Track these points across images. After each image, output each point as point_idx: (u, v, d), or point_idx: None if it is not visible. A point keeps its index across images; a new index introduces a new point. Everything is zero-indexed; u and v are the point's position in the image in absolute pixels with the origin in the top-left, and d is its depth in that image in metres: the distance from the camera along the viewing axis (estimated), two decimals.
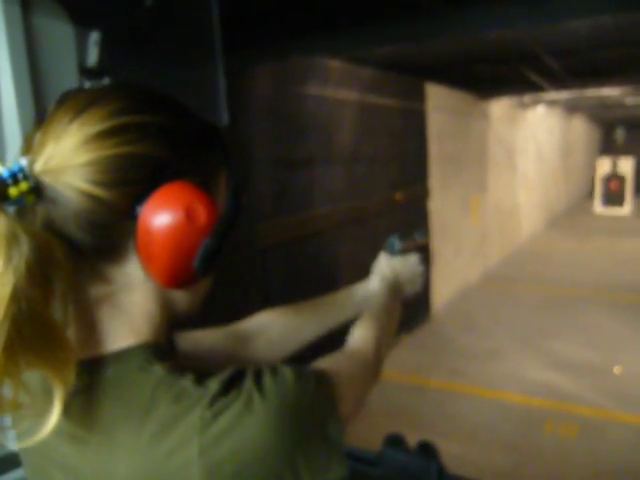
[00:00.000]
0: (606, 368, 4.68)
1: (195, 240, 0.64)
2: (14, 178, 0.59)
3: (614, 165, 13.22)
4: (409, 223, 5.78)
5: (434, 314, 6.25)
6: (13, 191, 0.58)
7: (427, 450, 1.22)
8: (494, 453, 3.55)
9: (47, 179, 0.61)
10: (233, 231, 0.68)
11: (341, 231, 4.56)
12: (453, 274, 6.89)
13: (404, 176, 5.62)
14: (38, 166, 0.61)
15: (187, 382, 0.61)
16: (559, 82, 5.94)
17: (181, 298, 0.72)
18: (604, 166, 13.42)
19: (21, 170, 0.59)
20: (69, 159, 0.61)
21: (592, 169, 17.12)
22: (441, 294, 6.44)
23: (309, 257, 4.18)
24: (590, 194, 16.75)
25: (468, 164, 7.33)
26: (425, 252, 1.37)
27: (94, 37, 1.54)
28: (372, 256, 5.07)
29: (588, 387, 4.36)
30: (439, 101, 6.30)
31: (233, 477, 0.59)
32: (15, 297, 0.56)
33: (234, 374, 0.63)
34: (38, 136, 0.63)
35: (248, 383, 0.62)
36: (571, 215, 13.58)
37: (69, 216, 0.61)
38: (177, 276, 0.65)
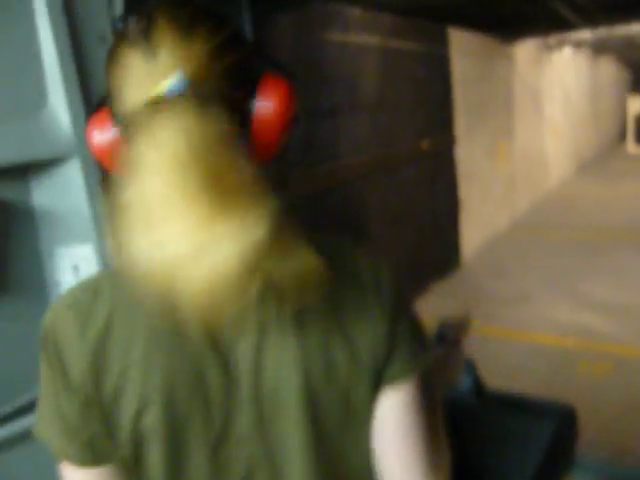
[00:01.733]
0: (637, 307, 4.66)
1: (289, 123, 0.77)
2: (173, 93, 0.69)
3: None
4: (436, 171, 5.76)
5: (464, 261, 6.26)
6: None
7: (466, 365, 1.27)
8: (529, 393, 3.59)
9: (202, 87, 0.70)
10: None
11: (368, 180, 4.57)
12: (481, 222, 6.86)
13: (429, 124, 5.58)
14: (189, 77, 0.69)
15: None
16: (587, 17, 5.77)
17: None
18: (636, 104, 13.05)
19: (177, 84, 0.69)
20: (210, 68, 0.71)
21: (622, 112, 16.74)
22: (470, 241, 6.44)
23: (336, 207, 4.21)
24: (621, 137, 16.42)
25: (494, 110, 7.22)
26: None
27: None
28: (400, 205, 5.10)
29: (620, 326, 4.36)
30: (462, 46, 6.18)
31: None
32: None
33: None
34: (164, 59, 0.70)
35: None
36: (601, 160, 13.32)
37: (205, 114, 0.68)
38: (271, 154, 0.79)
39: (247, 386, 0.75)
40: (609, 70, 15.15)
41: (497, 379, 3.79)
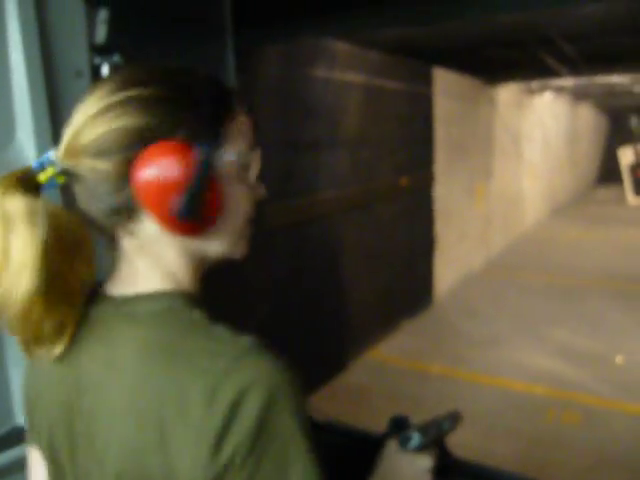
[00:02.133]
0: (609, 357, 4.68)
1: (173, 192, 0.71)
2: (42, 166, 0.73)
3: (637, 153, 13.08)
4: (413, 208, 5.77)
5: (436, 300, 6.26)
6: (42, 177, 0.73)
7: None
8: (496, 440, 3.56)
9: (67, 162, 0.73)
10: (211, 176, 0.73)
11: (346, 215, 4.55)
12: (456, 260, 6.88)
13: (409, 161, 5.60)
14: (60, 151, 0.74)
15: (217, 330, 0.72)
16: (570, 67, 5.89)
17: (209, 245, 0.80)
18: (627, 155, 13.27)
19: (48, 158, 0.74)
20: (79, 141, 0.73)
21: (598, 157, 17.06)
22: (444, 280, 6.44)
23: (313, 240, 4.18)
24: (596, 182, 16.72)
25: (474, 150, 7.30)
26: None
27: (103, 14, 1.52)
28: (376, 241, 5.10)
29: (591, 375, 4.37)
30: (446, 86, 6.26)
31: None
32: (41, 260, 0.69)
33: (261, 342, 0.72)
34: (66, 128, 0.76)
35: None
36: (576, 203, 13.53)
37: (90, 189, 0.74)
38: (175, 225, 0.73)
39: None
40: (588, 116, 15.48)
41: (464, 423, 3.76)
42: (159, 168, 0.70)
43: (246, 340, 0.71)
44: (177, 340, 0.72)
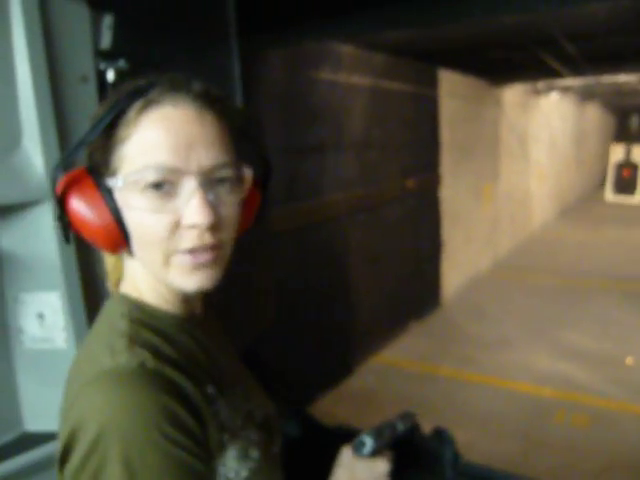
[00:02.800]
0: (618, 358, 4.64)
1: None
2: None
3: (628, 152, 13.00)
4: (420, 210, 5.76)
5: (444, 302, 6.24)
6: None
7: (442, 436, 1.22)
8: (504, 442, 3.54)
9: None
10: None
11: (352, 218, 4.55)
12: (463, 262, 6.86)
13: (415, 163, 5.59)
14: None
15: (120, 344, 0.74)
16: (576, 67, 5.86)
17: (141, 269, 0.83)
18: (618, 153, 13.19)
19: None
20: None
21: (605, 158, 16.99)
22: (451, 282, 6.42)
23: (319, 243, 4.17)
24: (603, 183, 16.63)
25: (480, 152, 7.28)
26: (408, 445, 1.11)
27: (108, 20, 1.53)
28: (382, 243, 5.08)
29: (599, 377, 4.34)
30: (451, 87, 6.24)
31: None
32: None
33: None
34: None
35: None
36: (583, 204, 13.47)
37: None
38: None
39: None
40: (594, 116, 15.42)
41: (472, 425, 3.76)
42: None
43: (120, 361, 0.71)
44: (91, 342, 0.80)
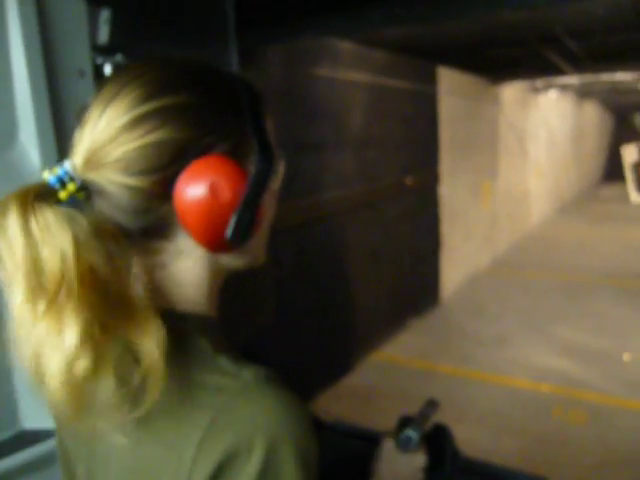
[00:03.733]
0: (615, 355, 4.66)
1: (224, 212, 0.66)
2: (61, 182, 0.64)
3: None
4: (419, 208, 5.76)
5: (443, 299, 6.24)
6: (63, 195, 0.64)
7: (442, 433, 1.22)
8: (502, 438, 3.55)
9: (90, 176, 0.65)
10: (264, 193, 0.69)
11: (351, 215, 4.54)
12: (462, 260, 6.87)
13: (414, 161, 5.59)
14: (80, 166, 0.65)
15: (224, 363, 0.65)
16: (577, 64, 5.86)
17: (239, 258, 0.75)
18: (631, 154, 13.13)
19: (66, 173, 0.65)
20: (104, 155, 0.64)
21: (603, 155, 17.00)
22: (450, 279, 6.43)
23: (318, 240, 4.17)
24: (601, 180, 16.67)
25: (479, 149, 7.28)
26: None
27: (105, 15, 1.52)
28: (381, 240, 5.08)
29: (597, 373, 4.35)
30: (450, 85, 6.24)
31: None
32: (90, 270, 0.60)
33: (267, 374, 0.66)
34: (79, 133, 0.67)
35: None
36: (582, 202, 13.49)
37: (116, 206, 0.66)
38: (219, 245, 0.68)
39: None
40: (593, 114, 15.43)
41: (470, 422, 3.76)
42: (207, 187, 0.64)
43: (246, 376, 0.64)
44: (176, 371, 0.65)
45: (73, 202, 0.65)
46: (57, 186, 0.63)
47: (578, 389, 4.15)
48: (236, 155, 0.67)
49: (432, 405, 1.12)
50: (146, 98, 0.65)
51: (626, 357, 4.60)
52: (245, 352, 0.72)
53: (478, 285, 6.92)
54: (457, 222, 6.59)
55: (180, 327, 0.67)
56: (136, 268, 0.66)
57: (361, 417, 3.23)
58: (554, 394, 4.11)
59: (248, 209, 0.67)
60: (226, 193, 0.65)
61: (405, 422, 1.13)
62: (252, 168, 0.68)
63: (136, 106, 0.64)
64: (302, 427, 0.63)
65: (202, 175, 0.64)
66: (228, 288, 0.82)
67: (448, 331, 5.46)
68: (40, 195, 0.61)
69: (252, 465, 0.60)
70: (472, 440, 3.37)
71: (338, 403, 3.98)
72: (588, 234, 9.89)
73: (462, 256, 6.85)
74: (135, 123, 0.64)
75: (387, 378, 4.48)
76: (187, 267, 0.71)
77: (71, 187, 0.64)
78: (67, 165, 0.65)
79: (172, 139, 0.64)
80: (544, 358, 4.67)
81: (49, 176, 0.64)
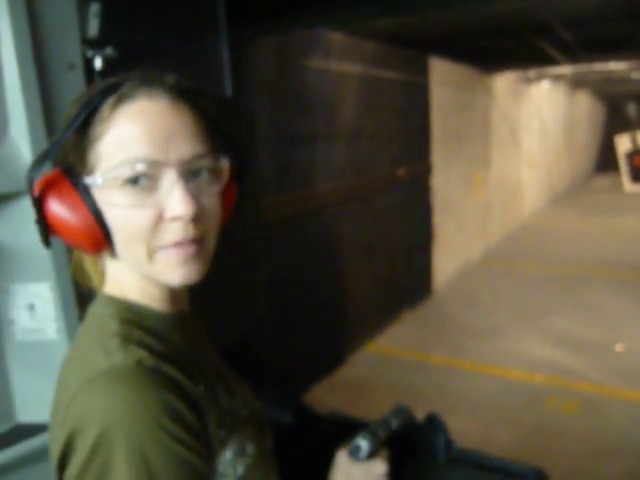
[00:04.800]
0: (608, 345, 4.68)
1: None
2: None
3: (634, 141, 12.91)
4: (411, 199, 5.76)
5: (436, 290, 6.26)
6: None
7: (434, 423, 1.22)
8: (496, 429, 3.57)
9: None
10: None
11: (343, 207, 4.54)
12: (455, 251, 6.88)
13: (407, 152, 5.59)
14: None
15: (113, 344, 0.72)
16: (568, 54, 5.86)
17: (124, 266, 0.81)
18: (624, 143, 13.11)
19: None
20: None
21: (596, 146, 17.03)
22: (443, 271, 6.44)
23: (310, 232, 4.17)
24: (593, 171, 16.70)
25: (471, 140, 7.28)
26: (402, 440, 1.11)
27: (94, 8, 1.51)
28: (374, 232, 5.07)
29: (590, 364, 4.37)
30: (442, 76, 6.23)
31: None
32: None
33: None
34: None
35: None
36: (574, 192, 13.52)
37: None
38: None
39: None
40: (585, 104, 15.45)
41: (464, 413, 3.78)
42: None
43: (116, 360, 0.70)
44: (82, 344, 0.78)
45: None
46: None
47: (572, 379, 4.17)
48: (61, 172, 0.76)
49: (399, 412, 1.09)
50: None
51: (618, 347, 4.63)
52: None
53: (471, 276, 6.93)
54: (450, 213, 6.59)
55: (103, 309, 0.79)
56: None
57: (355, 409, 3.24)
58: (548, 384, 4.13)
59: (39, 216, 0.75)
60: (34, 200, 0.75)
61: (398, 412, 1.12)
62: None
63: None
64: (147, 427, 0.65)
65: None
66: (217, 283, 0.82)
67: (441, 322, 5.47)
68: None
69: (82, 449, 0.65)
70: (466, 431, 3.39)
71: (332, 395, 3.99)
72: (581, 224, 9.92)
73: (455, 247, 6.86)
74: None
75: (380, 370, 4.49)
76: (113, 262, 0.81)
77: None
78: None
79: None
80: (537, 349, 4.69)
81: None
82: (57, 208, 0.74)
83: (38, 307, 1.30)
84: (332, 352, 4.49)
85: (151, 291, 0.80)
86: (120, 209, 0.73)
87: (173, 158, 0.72)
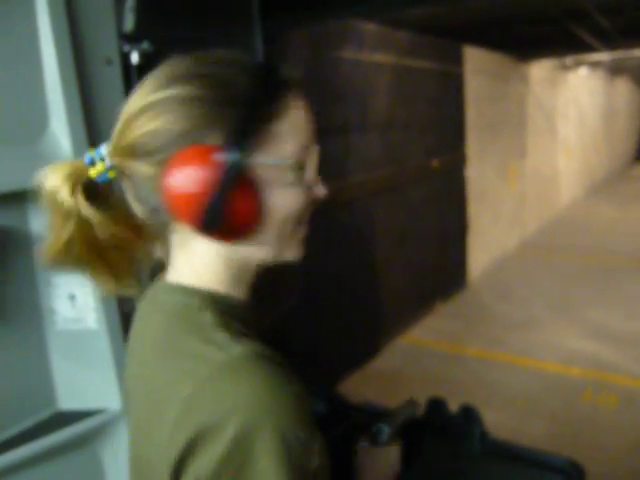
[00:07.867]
0: None
1: (194, 199, 0.68)
2: (92, 161, 0.74)
3: None
4: (445, 190, 5.72)
5: (471, 282, 6.21)
6: (92, 172, 0.74)
7: (470, 414, 1.22)
8: (532, 421, 3.54)
9: (114, 159, 0.73)
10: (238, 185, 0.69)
11: (377, 198, 4.53)
12: (490, 242, 6.80)
13: (441, 142, 5.54)
14: (110, 148, 0.74)
15: (220, 337, 0.67)
16: (605, 41, 5.73)
17: (248, 251, 0.76)
18: None
19: (99, 154, 0.74)
20: (121, 139, 0.72)
21: (635, 134, 16.62)
22: (478, 262, 6.38)
23: (344, 223, 4.17)
24: (633, 160, 16.31)
25: (506, 129, 7.18)
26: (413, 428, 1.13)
27: (130, 2, 1.53)
28: (408, 223, 5.03)
29: (628, 357, 4.29)
30: (477, 64, 6.15)
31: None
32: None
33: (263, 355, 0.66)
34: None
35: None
36: (612, 181, 13.23)
37: (134, 187, 0.74)
38: (202, 230, 0.70)
39: None
40: (624, 91, 15.07)
41: (500, 405, 3.75)
42: (183, 176, 0.67)
43: (234, 352, 0.64)
44: (176, 339, 0.71)
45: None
46: (88, 165, 0.74)
47: (609, 373, 4.10)
48: (221, 148, 0.68)
49: (410, 405, 1.12)
50: (157, 88, 0.70)
51: None
52: (272, 335, 0.73)
53: (506, 267, 6.85)
54: (485, 204, 6.52)
55: (186, 300, 0.73)
56: (167, 245, 0.78)
57: (388, 400, 3.24)
58: (584, 377, 4.07)
59: (217, 201, 0.67)
60: (196, 182, 0.67)
61: (434, 405, 1.14)
62: (232, 162, 0.68)
63: (147, 95, 0.71)
64: (291, 415, 0.61)
65: (181, 164, 0.67)
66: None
67: (476, 314, 5.43)
68: (74, 172, 0.73)
69: (218, 446, 0.59)
70: (501, 423, 3.37)
71: (365, 386, 4.00)
72: (620, 215, 9.71)
73: (490, 238, 6.78)
74: (143, 111, 0.70)
75: (414, 361, 4.48)
76: (201, 250, 0.75)
77: (100, 167, 0.74)
78: (103, 148, 0.74)
79: (169, 127, 0.69)
80: (574, 341, 4.63)
81: (87, 156, 0.74)
82: (240, 194, 0.69)
83: (79, 297, 1.33)
84: (366, 343, 4.50)
85: (233, 279, 0.77)
86: (287, 188, 0.74)
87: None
